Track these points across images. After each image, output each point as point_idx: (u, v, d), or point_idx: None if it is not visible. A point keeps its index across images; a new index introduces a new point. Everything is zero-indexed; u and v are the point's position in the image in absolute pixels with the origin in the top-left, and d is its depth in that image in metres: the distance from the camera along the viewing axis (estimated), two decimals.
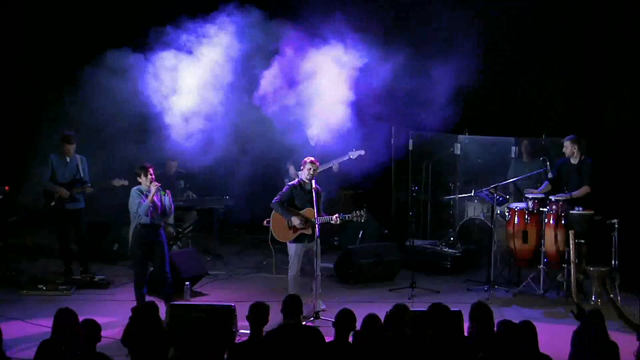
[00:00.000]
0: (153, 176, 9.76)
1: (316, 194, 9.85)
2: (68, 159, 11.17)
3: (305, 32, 11.06)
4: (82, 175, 11.18)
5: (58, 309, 6.78)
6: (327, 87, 10.93)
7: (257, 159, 12.71)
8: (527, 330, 6.44)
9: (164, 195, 9.84)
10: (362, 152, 11.98)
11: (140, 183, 9.79)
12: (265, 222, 10.29)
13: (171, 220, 12.05)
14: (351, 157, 12.01)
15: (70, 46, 12.96)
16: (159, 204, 9.78)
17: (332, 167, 11.84)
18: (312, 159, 10.02)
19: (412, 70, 11.30)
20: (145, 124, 11.38)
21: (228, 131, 11.33)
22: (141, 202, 9.67)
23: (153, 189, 9.68)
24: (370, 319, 6.70)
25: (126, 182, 11.13)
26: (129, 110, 11.09)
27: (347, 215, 9.87)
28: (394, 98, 11.69)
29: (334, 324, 6.75)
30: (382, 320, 6.78)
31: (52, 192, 11.08)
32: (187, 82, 11.03)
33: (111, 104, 10.98)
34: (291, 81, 11.13)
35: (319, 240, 9.73)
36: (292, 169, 12.44)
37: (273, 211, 10.08)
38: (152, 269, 10.08)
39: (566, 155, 11.07)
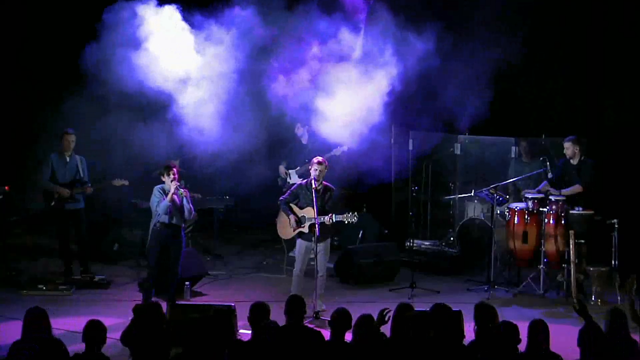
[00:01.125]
0: (176, 176, 9.84)
1: (323, 192, 9.88)
2: (68, 159, 11.18)
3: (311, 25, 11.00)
4: (82, 175, 11.19)
5: (27, 309, 6.76)
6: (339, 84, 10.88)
7: (259, 157, 12.70)
8: (539, 329, 6.44)
9: (182, 196, 9.88)
10: (346, 148, 12.01)
11: (163, 182, 9.90)
12: (276, 219, 10.42)
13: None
14: (335, 154, 12.05)
15: (70, 41, 12.94)
16: (179, 203, 9.84)
17: None
18: (320, 159, 10.04)
19: (412, 69, 11.29)
20: (150, 119, 11.31)
21: (238, 126, 11.25)
22: (161, 200, 9.74)
23: (172, 187, 9.76)
24: (363, 319, 6.70)
25: (126, 182, 11.15)
26: (133, 104, 11.01)
27: (338, 217, 9.84)
28: (393, 98, 11.66)
29: (330, 324, 6.76)
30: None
31: (51, 192, 11.08)
32: (198, 72, 10.92)
33: (114, 98, 10.90)
34: (306, 74, 11.03)
35: (318, 239, 9.75)
36: (281, 169, 12.48)
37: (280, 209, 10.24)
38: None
39: (567, 156, 11.08)
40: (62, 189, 11.07)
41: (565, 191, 10.93)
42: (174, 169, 9.91)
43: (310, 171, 10.00)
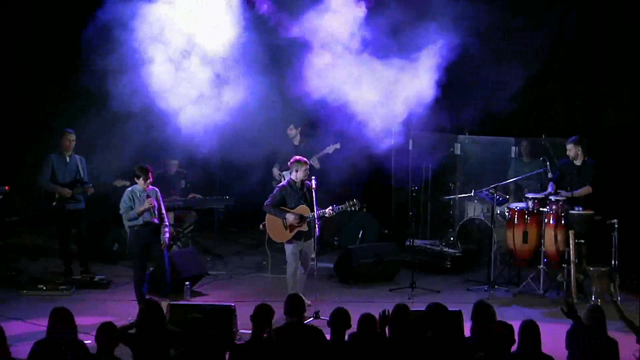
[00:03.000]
0: (152, 179, 9.78)
1: (307, 189, 9.92)
2: (68, 159, 11.15)
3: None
4: (82, 175, 11.18)
5: (53, 308, 6.73)
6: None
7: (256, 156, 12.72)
8: (530, 330, 6.43)
9: (153, 216, 9.85)
10: (338, 146, 12.10)
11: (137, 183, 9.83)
12: (260, 226, 10.34)
13: (170, 219, 12.07)
14: (328, 152, 12.08)
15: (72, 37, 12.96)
16: (155, 204, 9.80)
17: (311, 164, 11.87)
18: (304, 158, 10.09)
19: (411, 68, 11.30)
20: (150, 116, 11.30)
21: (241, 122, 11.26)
22: (130, 208, 9.70)
23: (146, 205, 9.70)
24: (365, 319, 6.69)
25: (128, 183, 11.10)
26: (134, 101, 11.02)
27: (340, 206, 9.90)
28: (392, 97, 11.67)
29: (329, 324, 6.76)
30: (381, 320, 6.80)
31: (52, 192, 11.05)
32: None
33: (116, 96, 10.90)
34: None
35: (317, 238, 9.84)
36: (275, 171, 12.49)
37: (267, 214, 10.10)
38: (151, 268, 10.10)
39: (570, 158, 11.07)
40: (63, 189, 11.06)
41: (576, 192, 10.91)
42: (150, 173, 9.79)
43: (299, 172, 9.94)
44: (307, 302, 9.70)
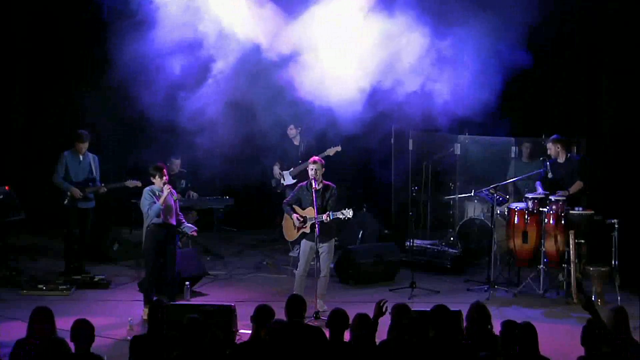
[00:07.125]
0: (167, 177, 9.79)
1: (323, 191, 9.89)
2: (81, 157, 11.13)
3: None
4: (94, 174, 11.16)
5: (34, 308, 6.71)
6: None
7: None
8: (528, 332, 6.43)
9: (176, 199, 9.87)
10: (339, 149, 12.07)
11: (153, 183, 9.82)
12: (278, 220, 10.47)
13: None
14: (329, 154, 12.07)
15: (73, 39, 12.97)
16: (172, 204, 9.81)
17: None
18: (315, 158, 10.08)
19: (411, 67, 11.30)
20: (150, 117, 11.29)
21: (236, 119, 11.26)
22: (153, 203, 9.67)
23: (165, 191, 9.69)
24: (361, 318, 6.69)
25: (139, 183, 11.06)
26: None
27: (335, 213, 9.84)
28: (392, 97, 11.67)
29: (327, 324, 6.76)
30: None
31: (64, 191, 11.01)
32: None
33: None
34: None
35: (321, 239, 9.81)
36: (275, 170, 12.50)
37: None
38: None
39: (552, 157, 11.10)
40: (74, 189, 11.02)
41: (570, 190, 10.93)
42: (165, 170, 9.83)
43: (309, 171, 10.03)
44: (324, 307, 9.69)
